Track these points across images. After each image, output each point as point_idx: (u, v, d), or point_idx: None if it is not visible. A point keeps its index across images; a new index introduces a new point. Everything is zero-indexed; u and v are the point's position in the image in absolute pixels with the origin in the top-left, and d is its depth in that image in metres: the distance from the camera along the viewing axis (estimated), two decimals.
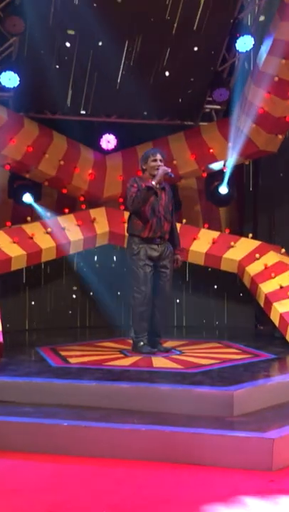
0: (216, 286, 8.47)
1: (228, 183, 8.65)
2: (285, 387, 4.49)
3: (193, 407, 4.19)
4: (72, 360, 5.51)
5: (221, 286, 8.45)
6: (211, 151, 8.21)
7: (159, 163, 5.82)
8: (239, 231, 9.04)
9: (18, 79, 7.33)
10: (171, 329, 8.10)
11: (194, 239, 8.00)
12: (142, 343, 5.87)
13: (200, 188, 9.33)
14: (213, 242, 7.92)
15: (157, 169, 5.79)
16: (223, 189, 8.61)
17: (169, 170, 5.78)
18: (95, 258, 8.53)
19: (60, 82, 7.82)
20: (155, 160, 5.83)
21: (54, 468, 3.74)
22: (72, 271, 8.47)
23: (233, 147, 7.94)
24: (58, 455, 3.84)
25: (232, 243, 7.89)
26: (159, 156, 5.85)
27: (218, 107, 8.71)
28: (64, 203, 8.72)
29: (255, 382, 4.46)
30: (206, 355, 5.79)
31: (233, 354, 5.89)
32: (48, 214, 8.02)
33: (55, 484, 3.51)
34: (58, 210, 8.52)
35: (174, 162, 8.23)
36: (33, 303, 8.27)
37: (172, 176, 5.78)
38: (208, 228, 8.37)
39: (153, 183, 5.72)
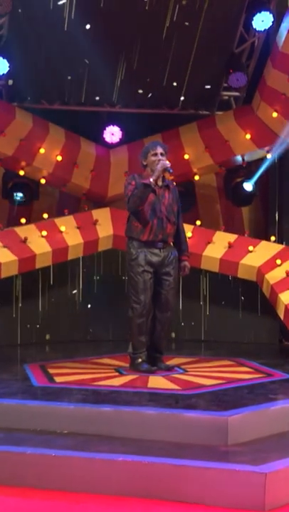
0: (237, 296, 8.31)
1: (250, 180, 8.51)
2: None
3: (182, 434, 4.02)
4: (58, 379, 5.40)
5: (243, 296, 8.28)
6: (228, 143, 8.06)
7: (160, 157, 5.67)
8: (264, 233, 8.87)
9: (8, 65, 7.27)
10: (186, 344, 7.98)
11: (208, 242, 7.87)
12: (140, 360, 5.73)
13: (220, 186, 9.20)
14: (230, 246, 7.77)
15: (158, 164, 5.67)
16: (248, 186, 8.46)
17: (169, 165, 5.63)
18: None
19: (58, 69, 7.78)
20: (155, 154, 5.68)
21: (17, 503, 3.62)
22: (74, 278, 8.42)
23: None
24: (23, 487, 3.72)
25: (251, 247, 7.72)
26: (159, 150, 5.70)
27: (237, 93, 8.56)
28: (66, 203, 8.68)
29: (256, 406, 4.26)
30: (211, 374, 5.63)
31: (243, 373, 5.71)
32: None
33: None
34: (60, 210, 8.48)
35: (186, 156, 8.12)
36: (28, 314, 8.22)
37: (171, 171, 5.63)
38: (230, 230, 8.22)
39: (151, 179, 5.59)
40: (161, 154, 5.67)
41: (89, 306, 8.43)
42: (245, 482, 3.43)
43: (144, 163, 5.76)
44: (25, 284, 8.10)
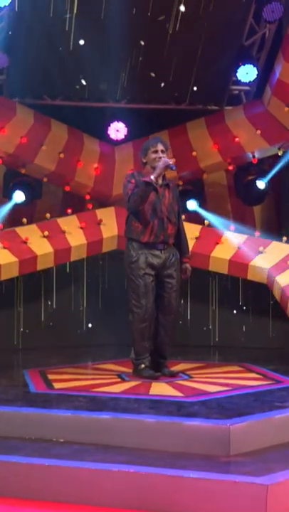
0: (247, 300, 8.26)
1: (263, 178, 8.45)
2: None
3: (181, 443, 3.96)
4: (57, 386, 5.38)
5: (255, 299, 8.22)
6: (237, 139, 8.01)
7: (161, 154, 5.63)
8: (277, 234, 8.80)
9: (7, 59, 7.27)
10: (194, 349, 7.94)
11: (217, 243, 7.83)
12: (143, 366, 5.69)
13: (230, 184, 9.15)
14: (239, 247, 7.71)
15: (159, 162, 5.63)
16: (261, 184, 8.41)
17: (171, 162, 5.60)
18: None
19: (60, 62, 7.74)
20: (156, 151, 5.64)
21: None
22: (78, 281, 8.41)
23: None
24: (16, 498, 3.69)
25: (261, 248, 7.66)
26: (160, 147, 5.66)
27: (248, 87, 8.50)
28: (70, 203, 8.67)
29: (260, 414, 4.19)
30: (217, 380, 5.58)
31: (250, 380, 5.66)
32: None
33: None
34: (64, 210, 8.46)
35: (194, 153, 8.09)
36: (31, 318, 8.22)
37: (174, 168, 5.60)
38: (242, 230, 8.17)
39: (152, 177, 5.55)
40: (162, 151, 5.62)
41: (93, 311, 8.43)
42: (245, 494, 3.37)
43: (144, 161, 5.72)
44: (28, 288, 8.10)
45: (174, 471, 3.62)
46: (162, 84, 8.03)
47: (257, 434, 4.04)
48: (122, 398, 4.85)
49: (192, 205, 8.56)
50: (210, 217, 8.29)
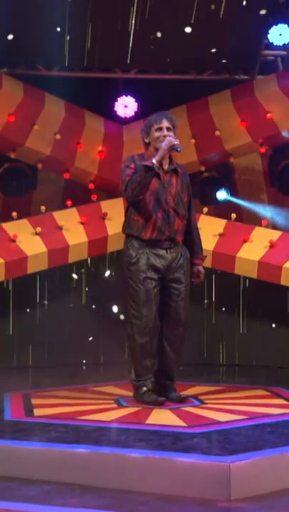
0: (281, 309, 8.15)
1: None
2: None
3: (172, 484, 3.84)
4: (37, 412, 5.34)
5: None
6: (269, 115, 7.91)
7: (166, 132, 5.55)
8: None
9: None
10: (215, 369, 7.88)
11: (245, 241, 7.74)
12: (144, 389, 5.61)
13: (266, 170, 9.08)
14: (271, 246, 7.61)
15: (162, 141, 5.54)
16: None
17: (176, 142, 5.49)
18: None
19: (56, 25, 7.71)
20: (160, 128, 5.56)
21: None
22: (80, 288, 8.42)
23: None
24: None
25: None
26: (165, 123, 5.57)
27: (284, 52, 8.38)
28: (74, 193, 8.67)
29: (272, 450, 4.06)
30: (234, 407, 5.47)
31: (273, 407, 5.54)
32: None
33: None
34: (65, 201, 8.46)
35: (217, 133, 8.02)
36: (23, 330, 8.23)
37: (179, 150, 5.48)
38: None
39: (153, 160, 5.46)
40: (168, 129, 5.54)
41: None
42: None
43: (147, 141, 5.64)
44: (22, 298, 8.11)
45: None
46: (180, 50, 7.91)
47: (265, 473, 3.89)
48: (110, 428, 4.78)
49: (222, 194, 8.52)
50: (246, 205, 8.23)
